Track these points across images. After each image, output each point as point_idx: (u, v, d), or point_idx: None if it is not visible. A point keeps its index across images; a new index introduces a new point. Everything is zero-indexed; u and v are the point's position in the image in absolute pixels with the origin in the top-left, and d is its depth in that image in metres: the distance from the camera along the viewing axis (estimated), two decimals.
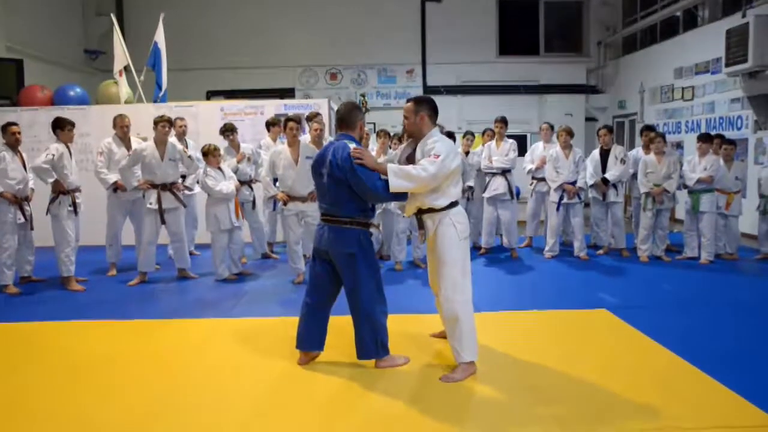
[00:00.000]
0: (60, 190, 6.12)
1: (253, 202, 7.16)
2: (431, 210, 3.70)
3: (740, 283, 6.25)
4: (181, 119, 7.30)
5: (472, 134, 7.94)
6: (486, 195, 7.57)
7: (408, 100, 3.85)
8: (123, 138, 6.82)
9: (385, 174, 3.56)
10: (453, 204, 3.70)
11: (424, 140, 3.72)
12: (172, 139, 6.77)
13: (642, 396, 3.36)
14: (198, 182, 6.76)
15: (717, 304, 5.38)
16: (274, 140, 7.43)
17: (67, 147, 6.17)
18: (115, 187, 6.67)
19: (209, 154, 6.29)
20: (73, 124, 6.19)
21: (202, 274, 6.76)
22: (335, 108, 5.55)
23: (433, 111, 3.79)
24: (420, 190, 3.63)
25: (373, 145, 7.42)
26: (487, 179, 7.60)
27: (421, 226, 3.80)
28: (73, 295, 5.99)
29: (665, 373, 3.70)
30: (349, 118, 3.83)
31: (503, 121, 7.68)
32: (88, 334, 4.71)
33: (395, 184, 3.55)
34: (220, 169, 6.38)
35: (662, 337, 4.28)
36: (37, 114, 8.84)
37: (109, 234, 6.89)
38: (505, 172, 7.54)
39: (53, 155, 6.01)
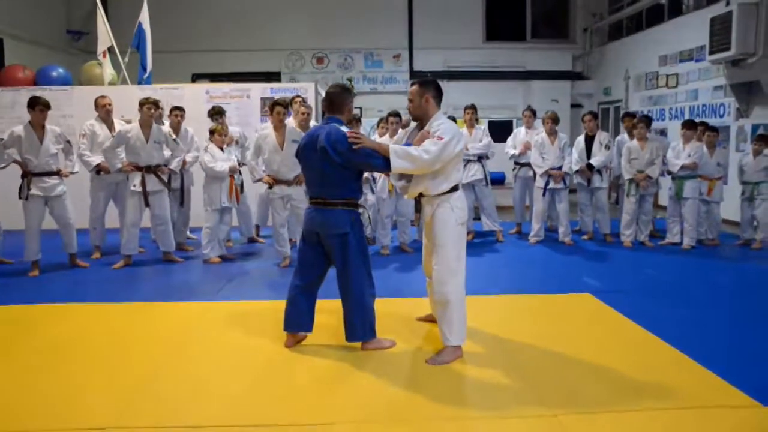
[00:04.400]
0: (22, 172, 6.02)
1: (241, 186, 7.13)
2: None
3: (721, 268, 6.36)
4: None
5: (455, 119, 7.93)
6: (464, 181, 7.57)
7: (413, 83, 3.86)
8: (105, 119, 6.75)
9: (386, 154, 3.56)
10: (454, 188, 3.71)
11: (429, 123, 3.72)
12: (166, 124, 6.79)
13: (625, 378, 3.42)
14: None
15: (699, 288, 5.48)
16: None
17: (41, 128, 5.99)
18: (99, 170, 6.60)
19: (215, 132, 6.44)
20: (46, 105, 5.97)
21: (187, 257, 6.75)
22: (322, 92, 5.54)
23: (438, 93, 3.79)
24: (421, 172, 3.63)
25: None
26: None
27: (419, 209, 3.82)
28: (56, 279, 5.94)
29: (647, 356, 3.77)
30: (339, 100, 3.81)
31: (473, 108, 7.68)
32: (70, 316, 4.68)
33: (396, 165, 3.55)
34: (221, 149, 6.45)
35: (644, 320, 4.35)
36: (18, 94, 8.67)
37: (93, 217, 6.83)
38: (480, 158, 7.57)
39: (2, 139, 5.90)
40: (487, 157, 7.75)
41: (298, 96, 7.02)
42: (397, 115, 6.76)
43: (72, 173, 6.34)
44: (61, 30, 12.67)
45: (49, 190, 6.07)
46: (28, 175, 6.00)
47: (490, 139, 7.67)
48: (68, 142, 6.31)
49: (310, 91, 8.66)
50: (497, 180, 10.24)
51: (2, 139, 5.93)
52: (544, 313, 4.73)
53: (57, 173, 6.11)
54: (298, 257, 3.96)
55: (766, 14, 7.97)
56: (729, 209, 7.86)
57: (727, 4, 8.51)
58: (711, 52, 8.72)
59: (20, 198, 6.04)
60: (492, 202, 7.71)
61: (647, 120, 7.72)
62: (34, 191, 5.99)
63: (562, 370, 3.56)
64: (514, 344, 3.98)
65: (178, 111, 6.90)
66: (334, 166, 3.63)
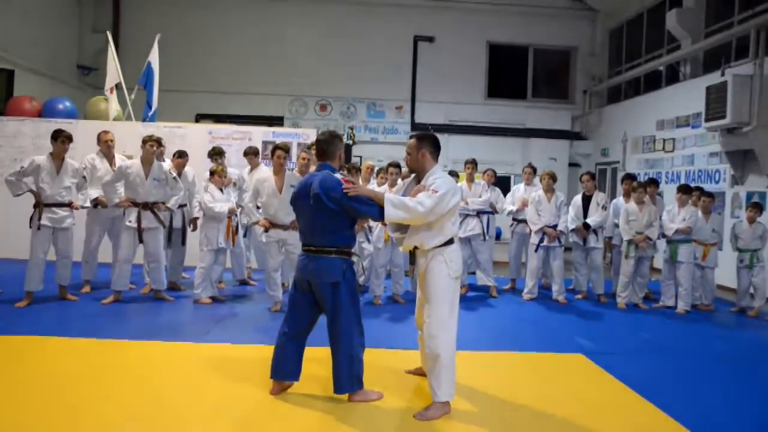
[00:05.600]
0: (35, 202, 6.06)
1: (236, 228, 7.14)
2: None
3: (716, 334, 6.31)
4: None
5: (456, 174, 8.03)
6: (461, 235, 7.57)
7: (411, 137, 3.90)
8: (107, 154, 6.81)
9: (381, 202, 3.58)
10: (448, 242, 3.71)
11: (426, 177, 3.75)
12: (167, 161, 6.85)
13: None
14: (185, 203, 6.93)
15: (692, 353, 5.43)
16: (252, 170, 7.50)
17: (61, 160, 6.11)
18: (96, 203, 6.60)
19: (215, 173, 6.48)
20: (68, 138, 6.10)
21: (178, 296, 6.68)
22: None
23: (435, 148, 3.83)
24: (415, 223, 3.65)
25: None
26: (460, 219, 7.63)
27: (413, 261, 3.81)
28: (43, 310, 5.86)
29: (638, 421, 3.70)
30: (328, 148, 3.85)
31: (473, 163, 7.77)
32: (53, 350, 4.60)
33: (391, 214, 3.56)
34: (221, 190, 6.49)
35: (637, 384, 4.29)
36: (22, 124, 8.80)
37: (86, 250, 6.81)
38: (479, 213, 7.61)
39: (22, 167, 6.02)
40: (495, 212, 7.83)
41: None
42: (397, 165, 6.83)
43: (83, 207, 6.40)
44: (71, 64, 12.92)
45: (59, 222, 6.12)
46: (39, 205, 6.03)
47: (489, 194, 7.72)
48: (84, 177, 6.42)
49: (312, 137, 8.76)
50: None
51: (22, 167, 6.01)
52: (536, 372, 4.66)
53: (68, 205, 6.16)
54: (289, 304, 3.91)
55: (761, 85, 8.18)
56: (723, 275, 7.85)
57: (722, 74, 8.73)
58: (707, 120, 8.90)
59: (30, 227, 6.07)
60: (488, 258, 7.71)
61: (653, 183, 7.79)
62: (44, 221, 6.01)
63: None
64: (504, 403, 3.90)
65: (181, 157, 6.94)
66: (328, 213, 3.64)
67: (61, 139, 6.06)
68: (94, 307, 6.09)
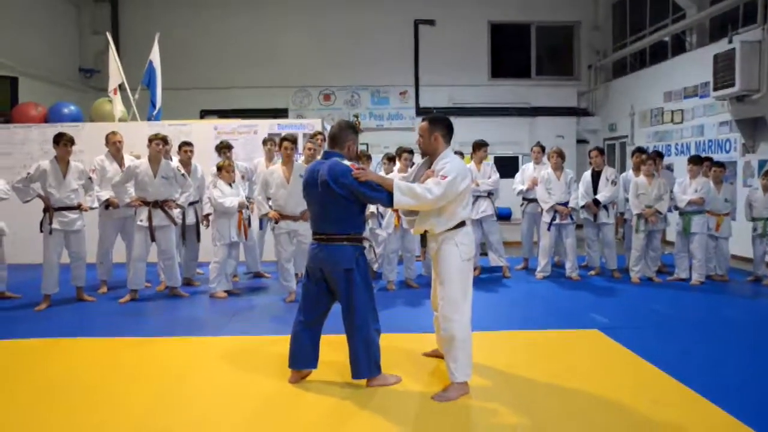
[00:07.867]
0: (44, 206, 6.11)
1: (248, 221, 7.17)
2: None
3: (731, 304, 6.27)
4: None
5: (461, 154, 8.00)
6: (473, 217, 7.56)
7: (423, 119, 3.88)
8: (116, 155, 6.84)
9: (390, 189, 3.58)
10: (460, 224, 3.71)
11: (437, 160, 3.74)
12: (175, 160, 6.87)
13: (633, 417, 3.35)
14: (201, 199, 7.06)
15: (708, 324, 5.41)
16: (270, 159, 7.47)
17: (66, 163, 6.14)
18: (107, 204, 6.65)
19: (223, 169, 6.50)
20: (70, 141, 6.13)
21: (194, 292, 6.74)
22: (329, 128, 5.63)
23: (448, 131, 3.80)
24: (424, 209, 3.65)
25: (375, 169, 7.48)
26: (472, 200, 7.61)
27: (425, 244, 3.82)
28: (62, 313, 5.93)
29: (656, 394, 3.69)
30: (340, 136, 3.84)
31: (486, 146, 7.73)
32: (75, 351, 4.65)
33: (399, 201, 3.56)
34: (230, 185, 6.52)
35: (654, 357, 4.28)
36: (30, 131, 8.86)
37: (100, 251, 6.87)
38: (490, 194, 7.60)
39: (29, 173, 6.06)
40: (493, 193, 7.80)
41: (320, 133, 7.22)
42: (410, 151, 6.83)
43: (91, 208, 6.43)
44: (74, 68, 12.97)
45: (69, 225, 6.15)
46: (49, 210, 6.08)
47: (498, 175, 7.71)
48: (90, 178, 6.46)
49: (317, 127, 8.76)
50: (504, 216, 10.24)
51: (29, 173, 6.05)
52: (552, 349, 4.66)
53: (77, 208, 6.19)
54: (303, 293, 3.93)
55: None
56: (738, 245, 7.79)
57: (730, 41, 8.60)
58: (715, 89, 8.78)
59: (41, 231, 6.12)
60: (499, 238, 7.69)
61: (659, 155, 7.72)
62: (54, 225, 6.05)
63: (569, 408, 3.49)
64: (521, 381, 3.92)
65: (187, 147, 6.99)
66: (337, 200, 3.64)
67: (63, 142, 6.08)
68: (111, 307, 6.16)
